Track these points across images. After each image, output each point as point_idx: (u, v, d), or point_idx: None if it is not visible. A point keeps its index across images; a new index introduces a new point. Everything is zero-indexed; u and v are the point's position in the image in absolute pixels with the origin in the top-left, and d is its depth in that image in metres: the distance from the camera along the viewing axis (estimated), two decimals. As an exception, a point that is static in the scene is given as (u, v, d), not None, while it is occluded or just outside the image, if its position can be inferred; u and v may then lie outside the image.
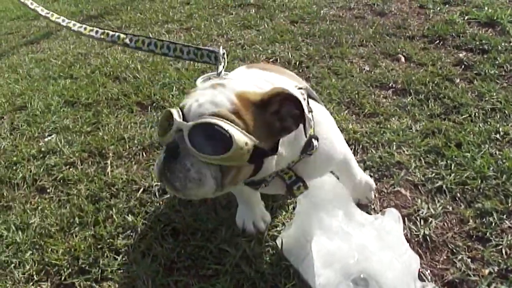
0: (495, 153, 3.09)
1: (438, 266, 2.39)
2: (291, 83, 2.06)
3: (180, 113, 1.66)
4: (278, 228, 2.60)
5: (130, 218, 2.76)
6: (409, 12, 5.50)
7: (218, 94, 1.68)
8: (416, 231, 2.56)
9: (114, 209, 2.84)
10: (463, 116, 3.51)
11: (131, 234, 2.68)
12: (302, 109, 1.66)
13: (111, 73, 4.71)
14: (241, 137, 1.60)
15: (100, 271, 2.45)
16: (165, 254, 2.53)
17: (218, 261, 2.46)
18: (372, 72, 4.22)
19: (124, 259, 2.49)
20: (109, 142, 3.49)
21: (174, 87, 4.22)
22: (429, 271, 2.36)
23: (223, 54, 2.35)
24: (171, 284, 2.37)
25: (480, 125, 3.39)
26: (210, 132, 1.60)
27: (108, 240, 2.62)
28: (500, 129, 3.32)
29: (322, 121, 2.06)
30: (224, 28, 5.58)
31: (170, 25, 5.94)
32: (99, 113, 3.93)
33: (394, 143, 3.23)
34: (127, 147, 3.42)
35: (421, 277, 2.31)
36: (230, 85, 1.73)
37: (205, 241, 2.57)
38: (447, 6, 5.57)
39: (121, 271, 2.47)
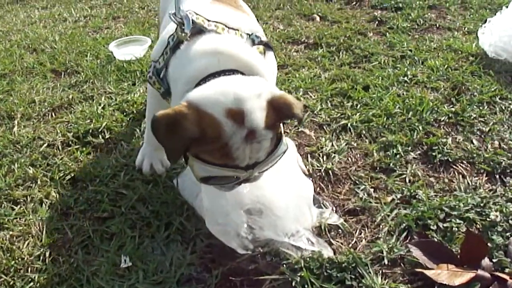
0: (403, 94, 2.95)
1: (340, 197, 2.22)
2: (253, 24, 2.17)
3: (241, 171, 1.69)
4: (177, 171, 2.39)
5: (31, 170, 2.53)
6: (329, -18, 5.32)
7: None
8: (318, 166, 2.39)
9: (16, 164, 2.61)
10: (373, 64, 3.39)
11: (31, 185, 2.45)
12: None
13: (30, 46, 4.42)
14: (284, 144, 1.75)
15: (-4, 221, 2.24)
16: (62, 200, 2.32)
17: (114, 204, 2.25)
18: (286, 30, 4.06)
19: (21, 208, 2.30)
20: (19, 105, 3.23)
21: (89, 54, 3.97)
22: (330, 202, 2.17)
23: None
24: (66, 228, 2.16)
25: (389, 70, 3.25)
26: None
27: (7, 192, 2.40)
28: (408, 72, 3.20)
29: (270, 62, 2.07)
30: (146, 1, 5.33)
31: (94, 1, 5.65)
32: (13, 82, 3.66)
33: (301, 89, 3.07)
34: (37, 109, 3.16)
35: (320, 206, 2.13)
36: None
37: (103, 186, 2.36)
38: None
39: (17, 219, 2.25)
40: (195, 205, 2.12)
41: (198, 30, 1.87)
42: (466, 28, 3.86)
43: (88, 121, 2.91)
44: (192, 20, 1.86)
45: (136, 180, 2.38)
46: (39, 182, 2.45)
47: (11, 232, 2.16)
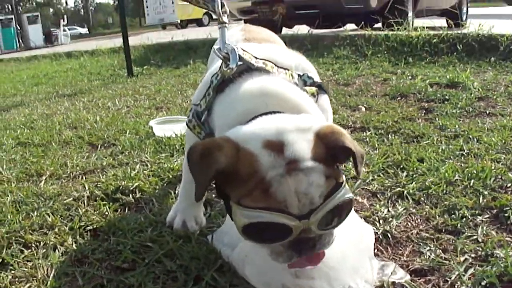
0: (461, 165, 2.55)
1: (402, 259, 1.80)
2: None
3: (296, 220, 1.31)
4: (213, 229, 2.00)
5: (50, 218, 2.19)
6: (373, 83, 5.08)
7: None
8: (374, 229, 1.97)
9: (36, 212, 2.26)
10: (425, 142, 2.98)
11: (47, 232, 2.10)
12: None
13: (71, 124, 4.18)
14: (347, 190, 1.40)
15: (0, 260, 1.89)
16: (78, 248, 1.95)
17: (137, 256, 1.86)
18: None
19: (31, 252, 1.94)
20: (49, 166, 2.95)
21: (128, 131, 3.67)
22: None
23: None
24: (77, 275, 1.76)
25: (443, 147, 2.85)
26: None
27: (19, 234, 2.06)
28: (465, 147, 2.80)
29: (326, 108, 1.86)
30: (189, 97, 5.09)
31: (137, 96, 5.46)
32: (49, 149, 3.38)
33: (351, 163, 2.68)
34: (68, 171, 2.87)
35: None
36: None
37: (127, 239, 1.98)
38: (410, 77, 5.13)
39: (25, 262, 1.87)
40: (232, 258, 1.72)
41: (246, 68, 1.62)
42: (518, 114, 3.47)
43: (120, 181, 2.55)
44: (239, 55, 1.61)
45: (166, 235, 2.00)
46: (56, 230, 2.11)
47: (13, 272, 1.80)
